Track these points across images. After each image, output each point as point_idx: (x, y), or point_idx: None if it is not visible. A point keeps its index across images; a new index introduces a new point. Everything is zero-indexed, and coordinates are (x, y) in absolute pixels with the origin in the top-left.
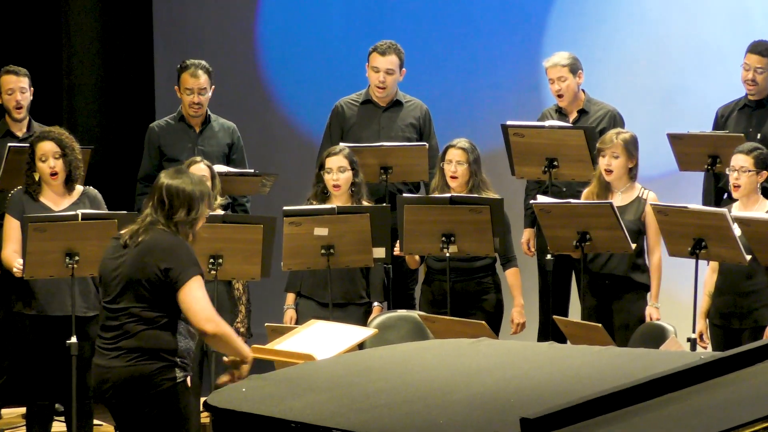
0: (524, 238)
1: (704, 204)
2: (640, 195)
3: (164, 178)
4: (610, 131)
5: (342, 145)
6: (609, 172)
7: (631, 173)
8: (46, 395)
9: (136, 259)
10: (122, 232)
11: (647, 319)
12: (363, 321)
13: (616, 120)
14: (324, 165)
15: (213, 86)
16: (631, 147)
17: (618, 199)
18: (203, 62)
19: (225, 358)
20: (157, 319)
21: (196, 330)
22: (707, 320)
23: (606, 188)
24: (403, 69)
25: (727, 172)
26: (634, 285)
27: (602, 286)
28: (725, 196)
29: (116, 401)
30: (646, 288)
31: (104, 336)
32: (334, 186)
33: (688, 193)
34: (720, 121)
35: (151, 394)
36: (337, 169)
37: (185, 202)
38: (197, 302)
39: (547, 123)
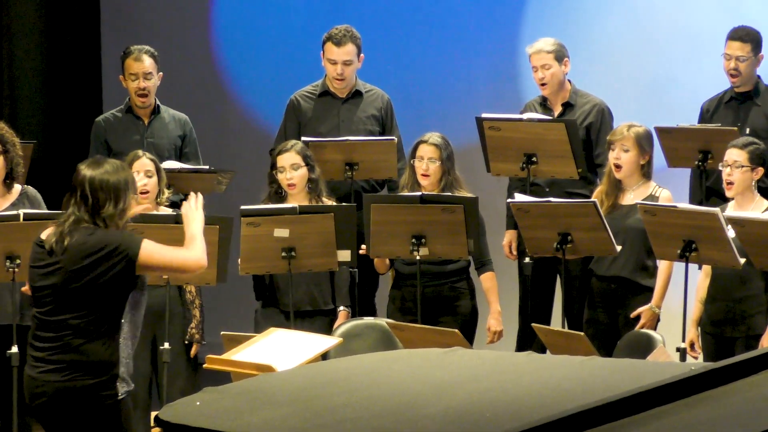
0: (506, 240)
1: (691, 204)
2: (652, 193)
3: (84, 170)
4: (623, 123)
5: (294, 140)
6: (618, 167)
7: (644, 170)
8: None
9: (67, 266)
10: (44, 236)
11: (641, 319)
12: (330, 332)
13: (604, 114)
14: (276, 164)
15: (160, 73)
16: (643, 141)
17: (630, 198)
18: (147, 47)
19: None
20: (96, 330)
21: (194, 272)
22: (698, 328)
23: (616, 186)
24: (361, 55)
25: (720, 168)
26: (642, 289)
27: (608, 292)
28: (712, 195)
29: (51, 416)
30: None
31: (37, 346)
32: (289, 185)
33: (679, 191)
34: (706, 116)
35: (90, 409)
36: (290, 167)
37: (111, 194)
38: (166, 259)
39: (525, 116)
